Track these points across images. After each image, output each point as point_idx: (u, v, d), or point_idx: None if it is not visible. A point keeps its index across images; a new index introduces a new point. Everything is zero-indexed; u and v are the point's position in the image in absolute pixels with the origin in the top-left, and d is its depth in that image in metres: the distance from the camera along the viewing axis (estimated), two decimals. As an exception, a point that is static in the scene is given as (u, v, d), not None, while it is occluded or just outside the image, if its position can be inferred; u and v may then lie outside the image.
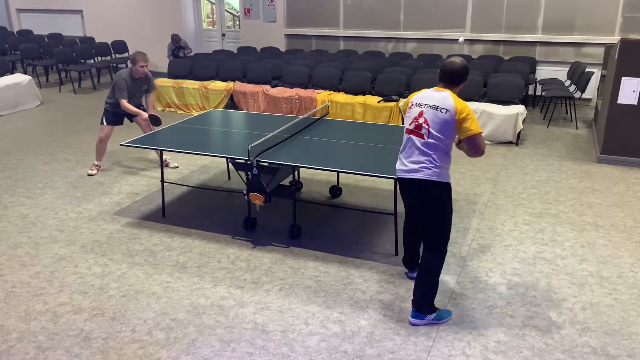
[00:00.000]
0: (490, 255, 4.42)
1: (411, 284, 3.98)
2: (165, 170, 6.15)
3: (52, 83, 11.67)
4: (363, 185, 5.94)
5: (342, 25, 11.11)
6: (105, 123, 6.25)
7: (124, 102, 5.98)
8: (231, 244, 4.64)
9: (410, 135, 3.40)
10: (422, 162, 3.35)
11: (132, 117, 6.27)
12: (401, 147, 3.51)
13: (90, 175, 6.25)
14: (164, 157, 6.42)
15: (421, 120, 3.33)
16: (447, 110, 3.26)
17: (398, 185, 3.60)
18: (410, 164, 3.40)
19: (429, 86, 3.52)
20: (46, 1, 13.85)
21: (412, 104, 3.42)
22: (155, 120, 6.09)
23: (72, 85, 11.13)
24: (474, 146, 3.35)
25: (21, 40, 12.70)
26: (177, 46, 11.11)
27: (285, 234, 4.79)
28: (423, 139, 3.33)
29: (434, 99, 3.32)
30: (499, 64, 9.05)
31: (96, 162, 6.37)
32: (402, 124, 7.66)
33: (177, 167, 6.50)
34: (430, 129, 3.30)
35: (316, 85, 8.83)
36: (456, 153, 6.98)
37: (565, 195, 5.62)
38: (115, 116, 6.26)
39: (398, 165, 3.51)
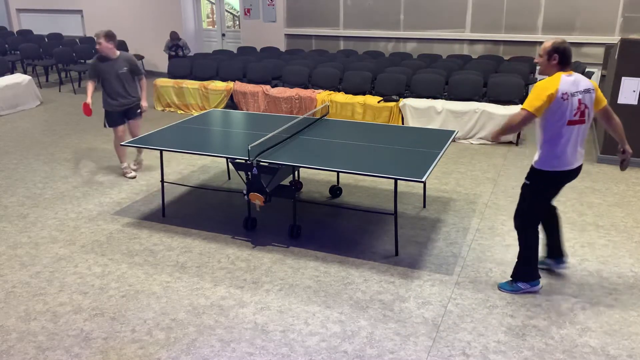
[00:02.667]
0: (490, 255, 4.42)
1: (411, 284, 3.99)
2: (166, 168, 6.14)
3: (52, 83, 11.67)
4: (363, 185, 5.94)
5: (342, 25, 11.11)
6: (107, 126, 6.08)
7: (88, 83, 5.86)
8: (231, 244, 4.64)
9: (575, 126, 3.49)
10: (583, 146, 3.63)
11: (128, 115, 6.09)
12: (561, 142, 3.49)
13: (131, 177, 6.16)
14: (126, 164, 6.24)
15: (582, 107, 3.48)
16: (593, 89, 3.54)
17: (557, 178, 3.61)
18: (581, 150, 3.61)
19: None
20: (46, 1, 13.85)
21: (567, 95, 3.41)
22: (86, 109, 5.86)
23: (72, 85, 11.13)
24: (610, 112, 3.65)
25: (21, 40, 12.70)
26: (175, 44, 11.08)
27: (285, 234, 4.79)
28: (584, 123, 3.54)
29: (582, 84, 3.49)
30: (499, 64, 9.05)
31: (123, 165, 6.21)
32: (405, 123, 7.69)
33: (134, 177, 6.21)
34: (590, 113, 3.54)
35: (316, 85, 8.83)
36: (455, 154, 6.99)
37: (565, 195, 5.62)
38: (116, 116, 6.03)
39: (568, 159, 3.54)
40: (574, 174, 3.64)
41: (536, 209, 3.76)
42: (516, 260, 3.88)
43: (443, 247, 4.54)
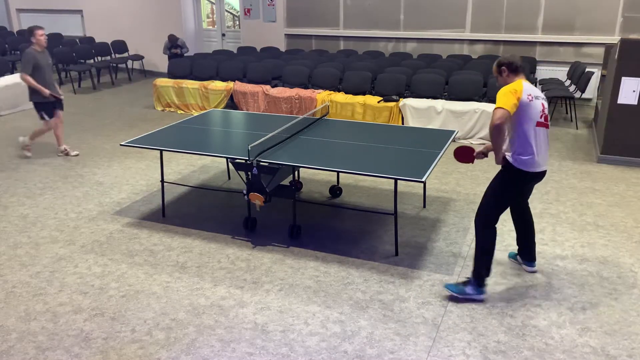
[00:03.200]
0: (490, 255, 4.42)
1: (411, 284, 3.99)
2: (166, 168, 6.15)
3: (52, 83, 11.66)
4: (363, 185, 5.94)
5: (342, 25, 11.11)
6: (47, 118, 6.53)
7: (26, 77, 6.19)
8: (231, 244, 4.64)
9: (541, 128, 3.61)
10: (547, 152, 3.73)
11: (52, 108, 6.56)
12: (533, 143, 3.58)
13: (27, 156, 6.65)
14: (65, 146, 6.82)
15: (545, 112, 3.64)
16: (544, 98, 3.70)
17: (524, 178, 3.67)
18: (546, 155, 3.71)
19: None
20: (46, 1, 13.84)
21: (531, 97, 3.55)
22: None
23: (72, 85, 11.13)
24: None
25: (21, 40, 12.69)
26: (173, 44, 11.06)
27: (285, 234, 4.79)
28: (548, 128, 3.68)
29: (537, 90, 3.65)
30: (499, 64, 9.04)
31: (29, 143, 6.74)
32: (405, 123, 7.69)
33: (77, 154, 6.86)
34: (548, 119, 3.69)
35: (316, 85, 8.83)
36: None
37: (565, 195, 5.62)
38: (49, 106, 6.52)
39: (539, 160, 3.62)
40: (540, 176, 3.71)
41: (496, 208, 3.76)
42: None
43: (443, 247, 4.54)
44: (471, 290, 3.78)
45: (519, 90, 3.52)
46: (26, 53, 6.29)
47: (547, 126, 3.65)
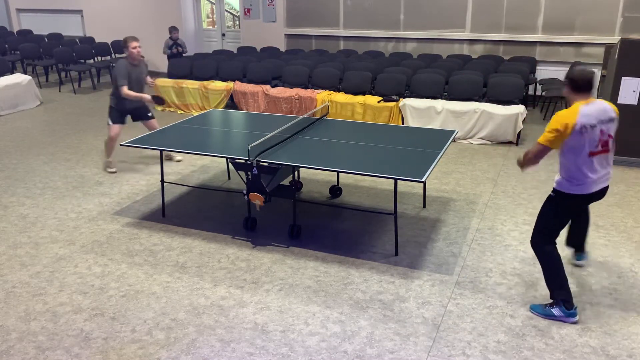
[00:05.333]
0: (490, 255, 4.42)
1: (411, 284, 3.99)
2: (166, 168, 6.15)
3: (52, 83, 11.66)
4: (363, 185, 5.94)
5: (342, 25, 11.11)
6: (111, 123, 6.25)
7: (125, 89, 5.97)
8: (231, 244, 4.64)
9: (597, 156, 3.37)
10: (608, 169, 3.51)
11: (136, 116, 6.31)
12: (586, 171, 3.36)
13: (112, 172, 6.32)
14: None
15: (605, 137, 3.36)
16: (615, 117, 3.42)
17: (574, 199, 3.47)
18: (607, 173, 3.48)
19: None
20: (46, 1, 13.84)
21: (586, 127, 3.27)
22: (158, 100, 6.15)
23: (72, 85, 11.13)
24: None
25: (21, 40, 12.70)
26: (174, 42, 11.02)
27: (285, 234, 4.79)
28: (608, 152, 3.43)
29: (604, 113, 3.34)
30: (499, 64, 9.05)
31: (109, 159, 6.39)
32: (405, 123, 7.69)
33: (180, 160, 6.71)
34: (613, 140, 3.42)
35: (316, 85, 8.83)
36: (455, 154, 6.99)
37: (565, 195, 5.62)
38: (121, 115, 6.27)
39: (592, 183, 3.40)
40: (596, 196, 3.49)
41: (551, 227, 3.59)
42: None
43: (443, 247, 4.54)
44: (558, 312, 3.54)
45: (570, 124, 3.24)
46: (118, 65, 6.01)
47: (606, 152, 3.39)
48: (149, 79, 6.34)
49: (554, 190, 3.55)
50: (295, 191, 5.07)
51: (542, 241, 3.61)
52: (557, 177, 3.53)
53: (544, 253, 3.60)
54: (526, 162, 3.53)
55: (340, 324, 3.54)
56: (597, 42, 9.26)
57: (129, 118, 6.40)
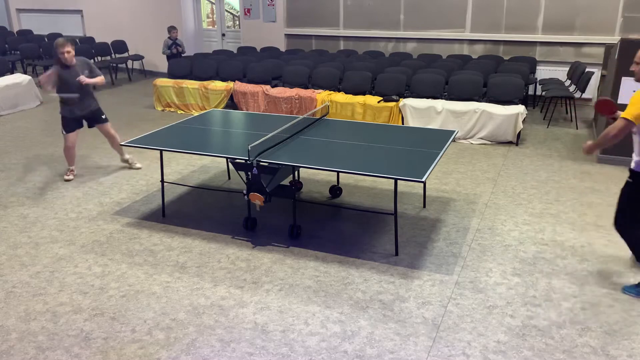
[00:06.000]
0: (490, 255, 4.42)
1: (411, 284, 3.99)
2: (166, 168, 6.14)
3: (52, 83, 11.65)
4: (363, 185, 5.94)
5: (342, 25, 11.11)
6: (65, 133, 6.08)
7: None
8: (231, 244, 4.64)
9: None
10: None
11: (92, 120, 6.16)
12: None
13: (67, 180, 6.11)
14: (128, 156, 6.50)
15: None
16: None
17: None
18: None
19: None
20: (46, 1, 13.85)
21: None
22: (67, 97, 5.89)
23: (72, 85, 11.11)
24: None
25: (21, 40, 12.70)
26: (174, 42, 11.01)
27: (285, 234, 4.79)
28: None
29: None
30: (499, 64, 9.05)
31: (71, 167, 6.23)
32: (405, 123, 7.69)
33: (140, 168, 6.50)
34: None
35: (316, 85, 8.83)
36: (455, 154, 6.99)
37: (565, 195, 5.62)
38: (74, 122, 6.07)
39: None
40: None
41: (630, 210, 3.76)
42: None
43: (443, 247, 4.54)
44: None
45: None
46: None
47: None
48: (81, 77, 5.88)
49: (633, 173, 3.63)
50: (295, 191, 5.07)
51: (629, 225, 3.76)
52: (635, 158, 3.60)
53: (635, 237, 3.76)
54: (607, 140, 3.54)
55: (340, 324, 3.54)
56: (597, 42, 9.26)
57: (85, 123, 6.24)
